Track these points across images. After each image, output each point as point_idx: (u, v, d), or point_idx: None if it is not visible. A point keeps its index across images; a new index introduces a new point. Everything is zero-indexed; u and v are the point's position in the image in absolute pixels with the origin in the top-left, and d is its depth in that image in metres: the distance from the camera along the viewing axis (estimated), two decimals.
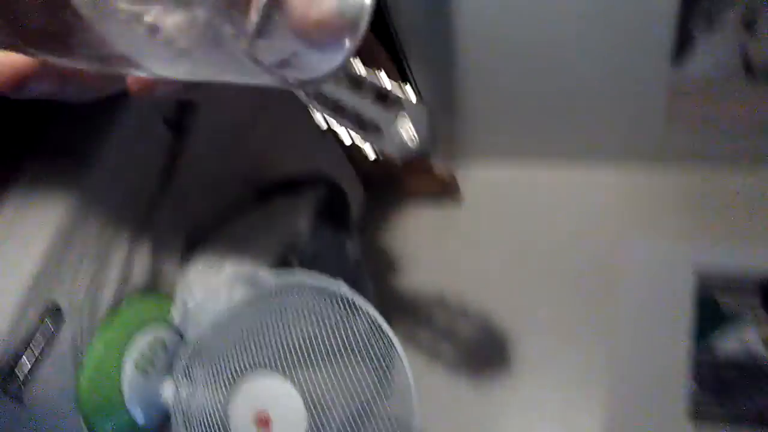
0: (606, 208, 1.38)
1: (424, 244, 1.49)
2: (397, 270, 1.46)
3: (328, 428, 0.75)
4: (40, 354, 0.67)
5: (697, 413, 1.13)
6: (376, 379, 0.76)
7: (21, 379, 0.65)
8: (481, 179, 1.51)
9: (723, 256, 1.21)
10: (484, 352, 1.33)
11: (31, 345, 0.67)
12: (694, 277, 1.21)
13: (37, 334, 0.67)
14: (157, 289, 0.89)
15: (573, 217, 1.40)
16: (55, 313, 0.70)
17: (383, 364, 0.75)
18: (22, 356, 0.65)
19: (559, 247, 1.37)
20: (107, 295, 0.78)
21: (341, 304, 0.77)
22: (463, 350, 1.31)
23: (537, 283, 1.35)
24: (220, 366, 0.81)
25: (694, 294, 1.19)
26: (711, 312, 1.18)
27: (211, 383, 0.82)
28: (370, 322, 0.76)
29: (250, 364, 0.79)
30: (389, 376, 0.76)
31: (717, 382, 1.13)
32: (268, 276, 0.85)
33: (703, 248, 1.24)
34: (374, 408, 0.75)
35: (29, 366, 0.66)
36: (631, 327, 1.22)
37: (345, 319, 0.76)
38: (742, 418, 1.10)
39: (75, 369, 0.75)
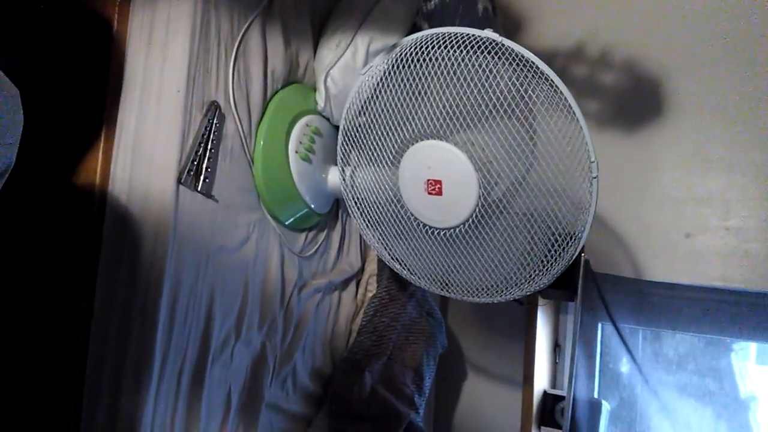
0: None
1: None
2: (519, 26, 1.32)
3: (496, 188, 0.73)
4: (213, 148, 0.68)
5: None
6: (530, 141, 0.70)
7: (204, 174, 0.67)
8: None
9: None
10: (633, 102, 1.16)
11: (203, 142, 0.67)
12: None
13: (205, 130, 0.67)
14: (297, 79, 0.86)
15: None
16: (215, 109, 0.68)
17: (531, 120, 0.69)
18: (199, 152, 0.66)
19: None
20: (256, 88, 0.76)
21: (485, 55, 0.70)
22: (610, 103, 1.20)
23: (680, 16, 1.16)
24: (379, 144, 0.79)
25: None
26: None
27: (372, 162, 0.81)
28: (521, 66, 0.68)
29: (409, 136, 0.76)
30: (536, 135, 0.71)
31: None
32: (404, 39, 0.78)
33: None
34: (536, 174, 0.71)
35: (206, 161, 0.67)
36: None
37: (494, 70, 0.69)
38: None
39: (248, 165, 0.76)
